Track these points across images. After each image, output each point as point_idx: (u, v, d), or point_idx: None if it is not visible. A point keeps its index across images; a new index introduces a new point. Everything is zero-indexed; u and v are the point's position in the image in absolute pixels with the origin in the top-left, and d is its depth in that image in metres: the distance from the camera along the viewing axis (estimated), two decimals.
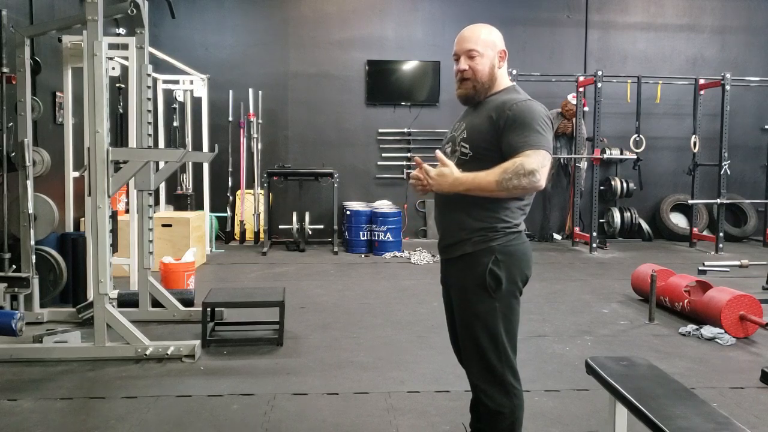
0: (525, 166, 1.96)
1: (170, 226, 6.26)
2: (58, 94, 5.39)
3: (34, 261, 4.31)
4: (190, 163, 7.88)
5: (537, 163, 1.98)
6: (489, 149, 2.10)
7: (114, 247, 4.38)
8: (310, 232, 7.92)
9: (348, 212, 7.82)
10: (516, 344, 2.19)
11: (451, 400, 3.15)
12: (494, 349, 2.13)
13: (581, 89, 8.23)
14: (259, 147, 8.22)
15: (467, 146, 2.14)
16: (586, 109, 8.42)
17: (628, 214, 8.67)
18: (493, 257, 2.10)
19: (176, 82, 7.71)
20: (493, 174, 1.99)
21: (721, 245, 7.84)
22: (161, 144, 7.39)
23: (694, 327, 4.34)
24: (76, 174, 5.08)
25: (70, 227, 5.22)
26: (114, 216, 4.61)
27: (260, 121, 8.21)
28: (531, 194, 2.14)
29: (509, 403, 2.14)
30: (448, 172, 2.04)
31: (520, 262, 2.16)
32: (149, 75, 4.53)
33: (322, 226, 8.06)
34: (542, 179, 1.98)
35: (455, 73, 2.23)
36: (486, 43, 2.17)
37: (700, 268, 6.26)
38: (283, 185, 8.44)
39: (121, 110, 6.01)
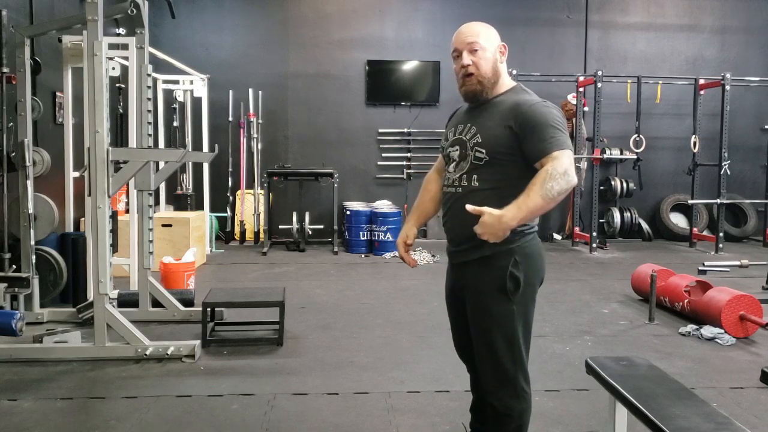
0: (558, 169, 1.94)
1: (170, 226, 6.26)
2: (58, 94, 5.39)
3: (34, 261, 4.31)
4: (190, 163, 7.88)
5: (566, 162, 1.96)
6: (507, 153, 2.07)
7: (114, 247, 4.38)
8: (310, 232, 7.92)
9: (348, 212, 7.82)
10: (529, 347, 2.17)
11: (451, 400, 3.15)
12: (509, 353, 2.10)
13: (581, 89, 8.23)
14: (259, 147, 8.22)
15: (483, 151, 2.08)
16: (586, 109, 8.42)
17: (628, 214, 8.67)
18: (512, 259, 2.07)
19: (176, 82, 7.71)
20: (534, 192, 1.92)
21: (721, 245, 7.84)
22: (161, 144, 7.39)
23: (694, 327, 4.34)
24: (76, 174, 5.07)
25: (70, 227, 5.22)
26: (114, 216, 4.60)
27: (260, 121, 8.21)
28: None
29: (518, 406, 2.12)
30: (490, 219, 1.92)
31: (537, 262, 2.14)
32: (149, 75, 4.53)
33: (322, 226, 8.06)
34: (574, 176, 1.97)
35: (457, 70, 2.17)
36: (487, 37, 2.14)
37: (700, 268, 6.26)
38: (283, 185, 8.44)
39: (121, 110, 6.01)
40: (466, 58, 2.13)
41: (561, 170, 1.93)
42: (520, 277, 2.07)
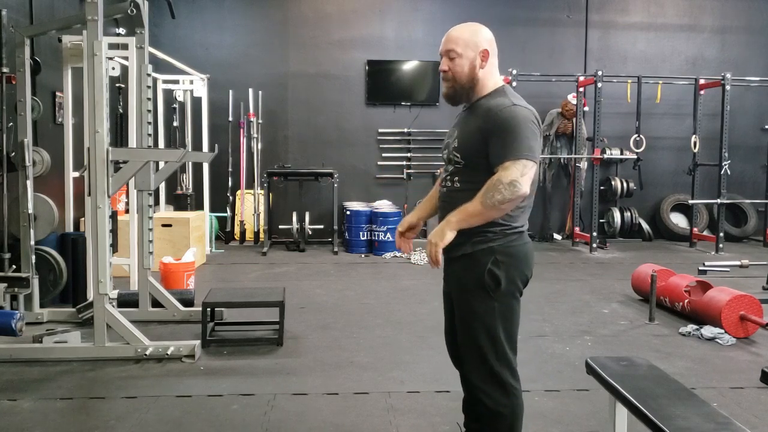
0: (502, 180, 1.99)
1: (170, 226, 6.26)
2: (58, 94, 5.39)
3: (34, 261, 4.31)
4: (190, 163, 7.88)
5: (516, 173, 1.99)
6: (479, 157, 2.11)
7: (114, 247, 4.38)
8: (310, 232, 7.92)
9: (348, 212, 7.82)
10: (516, 344, 2.19)
11: (451, 400, 3.14)
12: (492, 349, 2.13)
13: (581, 89, 8.22)
14: (259, 147, 8.22)
15: (458, 155, 2.16)
16: (586, 109, 8.42)
17: (628, 214, 8.67)
18: (492, 258, 2.11)
19: (176, 82, 7.71)
20: (477, 198, 2.03)
21: (721, 245, 7.83)
22: (161, 144, 7.39)
23: (695, 327, 4.34)
24: (76, 174, 5.07)
25: (70, 227, 5.22)
26: (114, 216, 4.60)
27: (260, 121, 8.21)
28: (530, 197, 2.14)
29: (509, 402, 2.14)
30: (436, 229, 2.08)
31: (520, 262, 2.16)
32: (149, 75, 4.53)
33: (322, 226, 8.06)
34: (524, 186, 2.00)
35: (439, 72, 2.25)
36: (467, 43, 2.15)
37: (700, 268, 6.26)
38: (283, 185, 8.44)
39: (121, 110, 6.00)
40: (444, 65, 2.21)
41: (507, 180, 1.99)
42: (501, 276, 2.10)
